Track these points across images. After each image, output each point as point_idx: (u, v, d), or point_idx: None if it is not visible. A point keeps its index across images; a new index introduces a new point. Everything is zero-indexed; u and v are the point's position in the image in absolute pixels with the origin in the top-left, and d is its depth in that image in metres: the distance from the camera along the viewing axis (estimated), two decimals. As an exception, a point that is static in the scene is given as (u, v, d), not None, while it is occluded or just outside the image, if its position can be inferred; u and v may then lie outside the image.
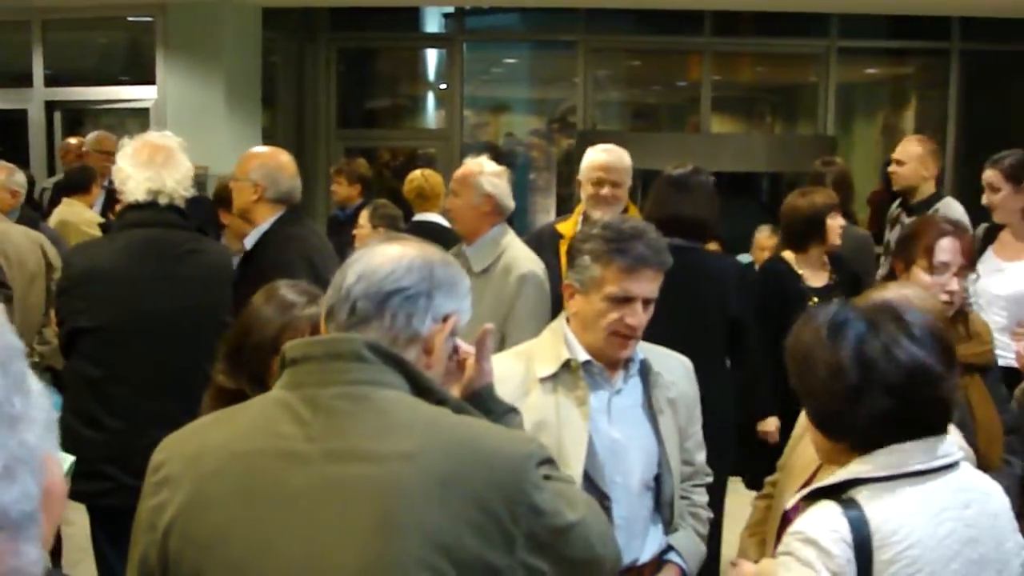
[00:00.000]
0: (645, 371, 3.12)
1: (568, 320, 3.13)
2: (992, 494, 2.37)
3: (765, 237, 7.82)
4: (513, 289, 4.66)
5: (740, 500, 4.36)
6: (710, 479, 3.38)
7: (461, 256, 4.64)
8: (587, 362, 3.04)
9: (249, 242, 4.62)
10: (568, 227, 5.16)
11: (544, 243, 5.16)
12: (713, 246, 5.76)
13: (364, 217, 6.34)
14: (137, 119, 10.91)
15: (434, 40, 13.04)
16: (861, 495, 2.23)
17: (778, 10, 11.15)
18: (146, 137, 4.31)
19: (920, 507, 2.22)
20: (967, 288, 3.98)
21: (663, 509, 3.13)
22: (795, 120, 13.62)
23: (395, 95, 13.82)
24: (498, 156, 12.79)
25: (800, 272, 5.24)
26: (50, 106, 11.27)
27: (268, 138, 10.88)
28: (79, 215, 7.23)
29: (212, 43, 10.35)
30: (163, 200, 4.15)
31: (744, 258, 7.74)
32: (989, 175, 5.44)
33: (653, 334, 3.12)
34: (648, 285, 2.98)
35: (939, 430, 2.30)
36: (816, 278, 5.25)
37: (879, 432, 2.26)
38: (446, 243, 4.04)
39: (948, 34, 11.69)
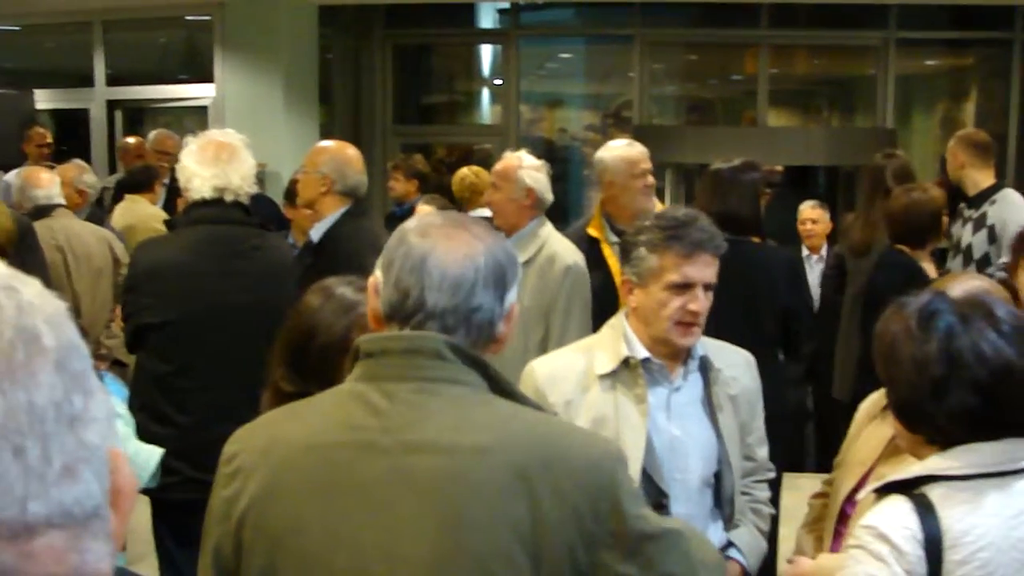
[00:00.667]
0: (705, 367, 3.11)
1: (627, 316, 3.11)
2: None
3: (809, 208, 7.83)
4: (558, 280, 4.71)
5: (796, 497, 4.34)
6: (772, 475, 3.37)
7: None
8: (646, 359, 3.03)
9: (316, 234, 4.68)
10: (596, 229, 5.17)
11: (579, 247, 5.15)
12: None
13: (424, 211, 6.39)
14: (196, 117, 11.03)
15: (489, 35, 13.06)
16: (935, 493, 2.19)
17: (835, 1, 11.06)
18: (210, 135, 4.36)
19: (997, 509, 2.17)
20: None
21: (723, 506, 3.11)
22: (853, 113, 13.48)
23: (451, 91, 13.86)
24: (552, 151, 12.88)
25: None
26: (111, 105, 11.43)
27: (325, 135, 10.92)
28: (143, 212, 7.32)
29: (269, 41, 10.43)
30: (228, 197, 4.19)
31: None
32: None
33: (709, 327, 3.11)
34: (706, 270, 2.98)
35: (1022, 431, 2.25)
36: (931, 272, 5.23)
37: (959, 429, 2.22)
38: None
39: (1011, 23, 11.51)
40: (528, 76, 12.76)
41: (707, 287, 2.99)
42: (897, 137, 11.00)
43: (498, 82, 12.83)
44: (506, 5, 12.36)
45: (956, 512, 2.16)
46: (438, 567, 1.77)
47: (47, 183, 6.10)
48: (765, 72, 12.05)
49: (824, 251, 7.74)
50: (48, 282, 0.92)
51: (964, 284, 2.85)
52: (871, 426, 3.04)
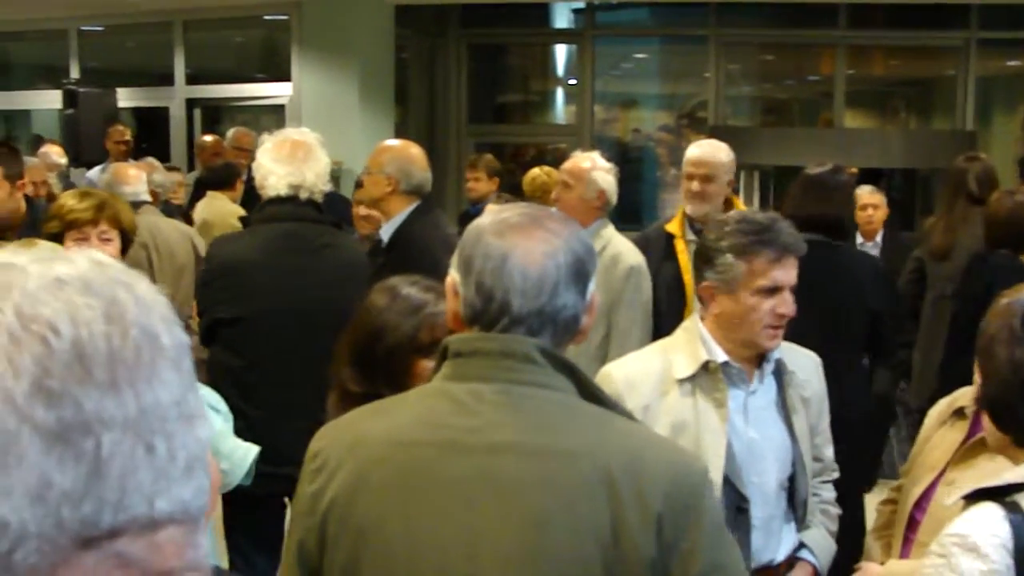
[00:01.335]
0: (779, 370, 3.09)
1: (702, 320, 3.09)
2: None
3: (868, 194, 7.75)
4: (621, 280, 4.75)
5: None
6: (836, 474, 3.34)
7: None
8: (725, 363, 3.01)
9: (385, 233, 4.72)
10: (676, 226, 5.14)
11: (653, 243, 5.14)
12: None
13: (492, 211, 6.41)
14: (273, 115, 11.16)
15: (564, 35, 13.07)
16: None
17: (915, 1, 10.92)
18: (286, 133, 4.41)
19: None
20: None
21: (797, 508, 3.10)
22: (931, 115, 13.32)
23: (525, 90, 13.88)
24: (626, 152, 12.86)
25: None
26: (190, 103, 11.61)
27: (400, 134, 10.99)
28: (223, 209, 7.41)
29: (346, 40, 10.53)
30: (303, 195, 4.23)
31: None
32: None
33: (795, 331, 3.10)
34: (792, 272, 2.97)
35: None
36: None
37: None
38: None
39: (1095, 24, 11.31)
40: (602, 76, 12.75)
41: (791, 289, 2.98)
42: (977, 140, 10.85)
43: (572, 82, 12.83)
44: (581, 5, 12.36)
45: None
46: (518, 567, 1.79)
47: (134, 180, 6.20)
48: (842, 73, 11.93)
49: (880, 237, 7.63)
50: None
51: None
52: (941, 431, 3.01)
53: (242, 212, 6.99)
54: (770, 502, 3.04)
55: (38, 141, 11.55)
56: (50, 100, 11.80)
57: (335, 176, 6.29)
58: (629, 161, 13.01)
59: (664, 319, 4.79)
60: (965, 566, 2.10)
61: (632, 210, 12.16)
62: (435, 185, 4.99)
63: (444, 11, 12.05)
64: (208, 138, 9.94)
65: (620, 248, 4.86)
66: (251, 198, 7.53)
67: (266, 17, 11.44)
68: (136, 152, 10.19)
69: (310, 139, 4.34)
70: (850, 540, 3.43)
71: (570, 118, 12.90)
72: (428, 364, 2.64)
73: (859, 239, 7.72)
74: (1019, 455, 2.25)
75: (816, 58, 12.77)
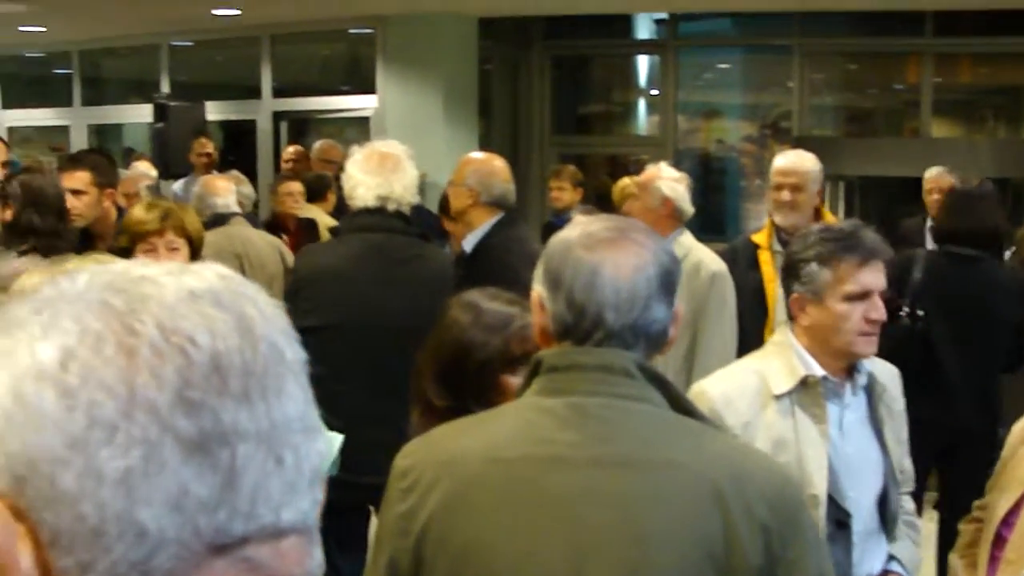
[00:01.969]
0: (870, 383, 3.06)
1: (794, 334, 3.05)
2: None
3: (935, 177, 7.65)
4: (704, 287, 4.75)
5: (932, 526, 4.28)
6: (914, 486, 3.32)
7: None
8: (824, 377, 2.98)
9: (468, 245, 4.76)
10: (763, 237, 5.12)
11: (740, 254, 5.13)
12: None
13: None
14: (358, 128, 11.27)
15: (648, 46, 13.05)
16: None
17: (1003, 8, 10.75)
18: (375, 145, 4.47)
19: None
20: None
21: (887, 521, 3.07)
22: (1021, 123, 13.10)
23: (608, 101, 13.88)
24: (708, 162, 12.80)
25: None
26: (277, 116, 11.76)
27: (484, 145, 11.05)
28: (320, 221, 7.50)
29: (430, 53, 10.60)
30: (390, 206, 4.27)
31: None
32: None
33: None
34: (880, 276, 2.93)
35: None
36: None
37: None
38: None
39: None
40: (685, 86, 12.71)
41: (881, 295, 2.94)
42: (1068, 149, 10.65)
43: (654, 92, 12.82)
44: (664, 15, 12.34)
45: None
46: None
47: (224, 192, 6.30)
48: (929, 81, 11.77)
49: None
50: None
51: None
52: None
53: (333, 223, 7.10)
54: (866, 517, 3.01)
55: (129, 154, 11.80)
56: (141, 114, 12.04)
57: (420, 189, 6.33)
58: (712, 172, 12.96)
59: (746, 330, 4.79)
60: None
61: (715, 221, 12.11)
62: (518, 196, 5.02)
63: (527, 23, 12.09)
64: (291, 149, 10.09)
65: (701, 256, 4.87)
66: (341, 209, 7.65)
67: (351, 31, 11.55)
68: (223, 165, 10.36)
69: (398, 151, 4.40)
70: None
71: (652, 129, 12.88)
72: (514, 378, 2.64)
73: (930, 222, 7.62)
74: None
75: (902, 66, 12.62)
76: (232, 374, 0.82)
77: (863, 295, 2.91)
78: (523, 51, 12.40)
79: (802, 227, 4.88)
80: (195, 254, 4.39)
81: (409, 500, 1.93)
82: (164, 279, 0.85)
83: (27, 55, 13.82)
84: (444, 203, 6.34)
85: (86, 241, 5.23)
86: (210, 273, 0.88)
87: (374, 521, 2.39)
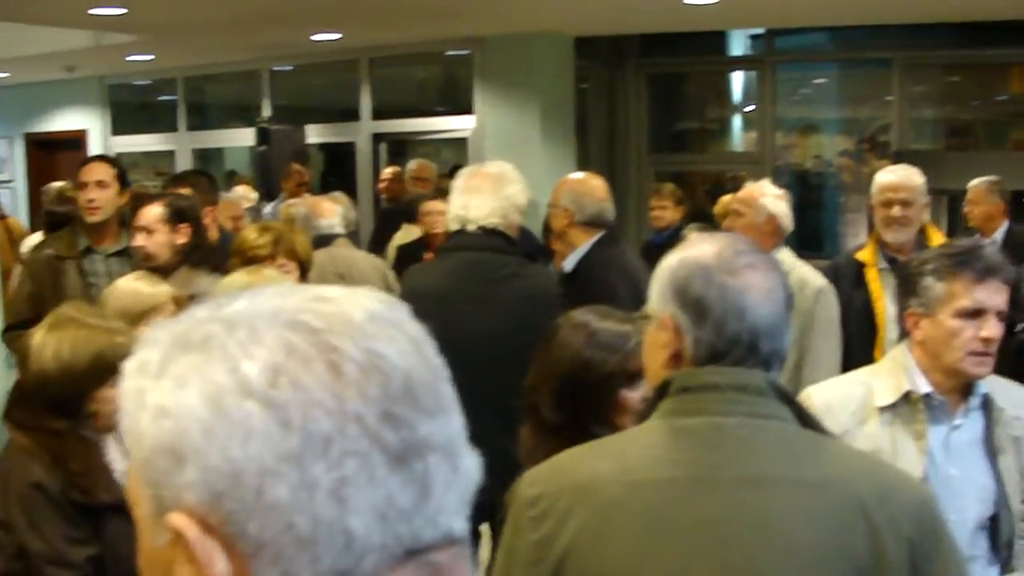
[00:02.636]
0: (987, 406, 2.99)
1: (910, 349, 3.02)
2: None
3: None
4: (810, 303, 4.77)
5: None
6: None
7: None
8: (927, 394, 2.95)
9: (568, 264, 4.81)
10: (867, 254, 5.07)
11: (843, 272, 5.10)
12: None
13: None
14: (456, 149, 11.38)
15: (744, 62, 13.00)
16: None
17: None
18: (479, 166, 4.55)
19: None
20: None
21: (1000, 549, 2.98)
22: None
23: (704, 118, 13.83)
24: (806, 178, 12.70)
25: None
26: (376, 138, 11.90)
27: (581, 164, 11.08)
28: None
29: (527, 73, 10.66)
30: (488, 224, 4.33)
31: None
32: None
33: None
34: (998, 296, 2.88)
35: None
36: None
37: None
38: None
39: None
40: (781, 102, 12.64)
41: (999, 315, 2.89)
42: None
43: (749, 108, 12.76)
44: (760, 31, 12.29)
45: None
46: None
47: (329, 213, 6.42)
48: (1033, 93, 11.58)
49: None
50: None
51: None
52: None
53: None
54: (966, 541, 2.90)
55: (232, 177, 12.04)
56: (243, 138, 12.29)
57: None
58: (809, 188, 12.85)
59: (854, 349, 4.76)
60: None
61: (813, 237, 12.01)
62: (616, 215, 5.09)
63: (622, 42, 12.12)
64: (388, 170, 10.24)
65: (804, 272, 4.89)
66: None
67: (448, 53, 11.66)
68: (324, 187, 10.53)
69: (500, 171, 4.46)
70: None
71: (749, 145, 12.82)
72: (632, 394, 2.71)
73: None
74: None
75: (1004, 77, 12.40)
76: (420, 390, 0.88)
77: (976, 312, 2.87)
78: (618, 69, 12.42)
79: (908, 244, 4.86)
80: (304, 276, 4.49)
81: (543, 528, 1.91)
82: (345, 301, 0.90)
83: (135, 83, 14.16)
84: (547, 223, 6.42)
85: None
86: (373, 296, 0.93)
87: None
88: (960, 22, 11.34)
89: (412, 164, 9.81)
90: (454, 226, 4.44)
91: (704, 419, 1.89)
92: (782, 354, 1.95)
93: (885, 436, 2.93)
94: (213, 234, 5.73)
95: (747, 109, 13.08)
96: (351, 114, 12.03)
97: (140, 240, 5.26)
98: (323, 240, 6.25)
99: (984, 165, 10.00)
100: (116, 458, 3.22)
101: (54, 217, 7.23)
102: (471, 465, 0.92)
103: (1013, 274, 2.95)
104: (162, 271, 5.24)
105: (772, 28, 12.05)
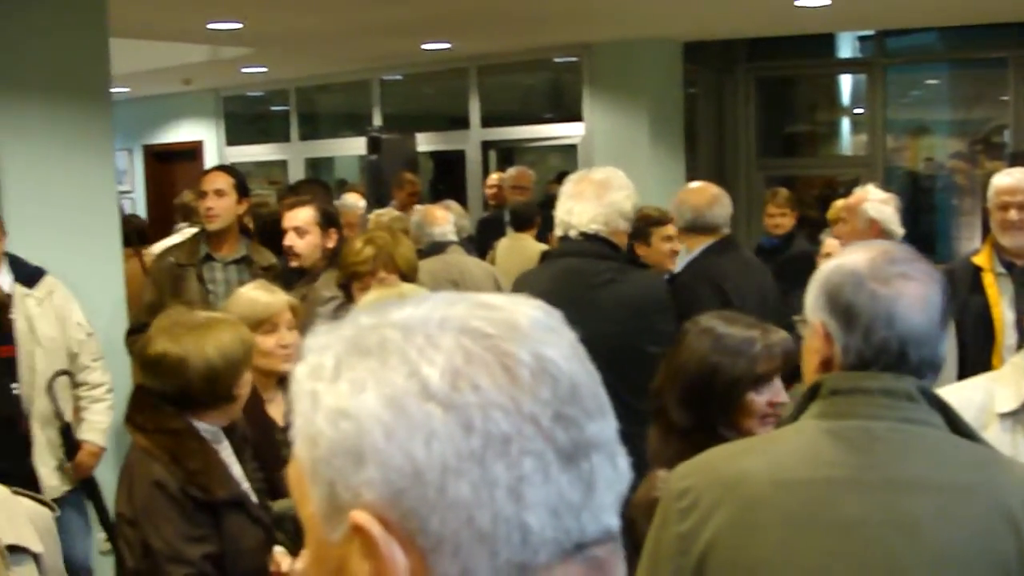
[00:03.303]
0: None
1: None
2: None
3: None
4: None
5: None
6: None
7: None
8: None
9: (678, 268, 4.91)
10: (984, 259, 4.97)
11: (958, 277, 5.01)
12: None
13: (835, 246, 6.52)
14: (565, 155, 11.42)
15: (854, 65, 12.85)
16: None
17: None
18: (586, 172, 4.59)
19: None
20: None
21: None
22: None
23: (814, 122, 13.70)
24: (917, 181, 12.50)
25: None
26: (485, 146, 12.01)
27: (690, 170, 11.07)
28: (528, 248, 7.67)
29: (636, 79, 10.67)
30: (589, 230, 4.36)
31: None
32: None
33: None
34: None
35: None
36: None
37: None
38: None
39: None
40: (892, 104, 12.46)
41: None
42: None
43: (858, 111, 12.61)
44: (870, 33, 12.14)
45: None
46: None
47: (442, 221, 6.52)
48: None
49: None
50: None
51: None
52: None
53: (544, 248, 7.25)
54: None
55: (342, 186, 12.23)
56: (354, 147, 12.49)
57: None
58: (922, 191, 12.65)
59: (970, 354, 4.68)
60: None
61: (926, 240, 11.81)
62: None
63: (731, 46, 12.07)
64: (494, 176, 10.34)
65: None
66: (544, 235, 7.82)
67: (557, 60, 11.73)
68: (434, 195, 10.65)
69: (606, 177, 4.48)
70: None
71: (859, 148, 12.66)
72: (759, 397, 2.81)
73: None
74: None
75: None
76: (584, 392, 0.92)
77: None
78: (727, 74, 12.37)
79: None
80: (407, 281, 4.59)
81: (689, 520, 1.95)
82: (510, 308, 0.95)
83: (248, 95, 14.47)
84: (633, 231, 6.51)
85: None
86: (533, 304, 0.98)
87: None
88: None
89: (511, 172, 9.90)
90: (559, 232, 4.51)
91: (853, 422, 1.91)
92: (936, 362, 1.95)
93: (1006, 442, 2.87)
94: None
95: (857, 111, 12.93)
96: (460, 122, 12.16)
97: (291, 240, 5.46)
98: (436, 247, 6.35)
99: (1105, 166, 9.76)
100: (230, 458, 3.37)
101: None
102: (625, 465, 0.95)
103: None
104: (308, 273, 5.42)
105: (882, 30, 11.90)
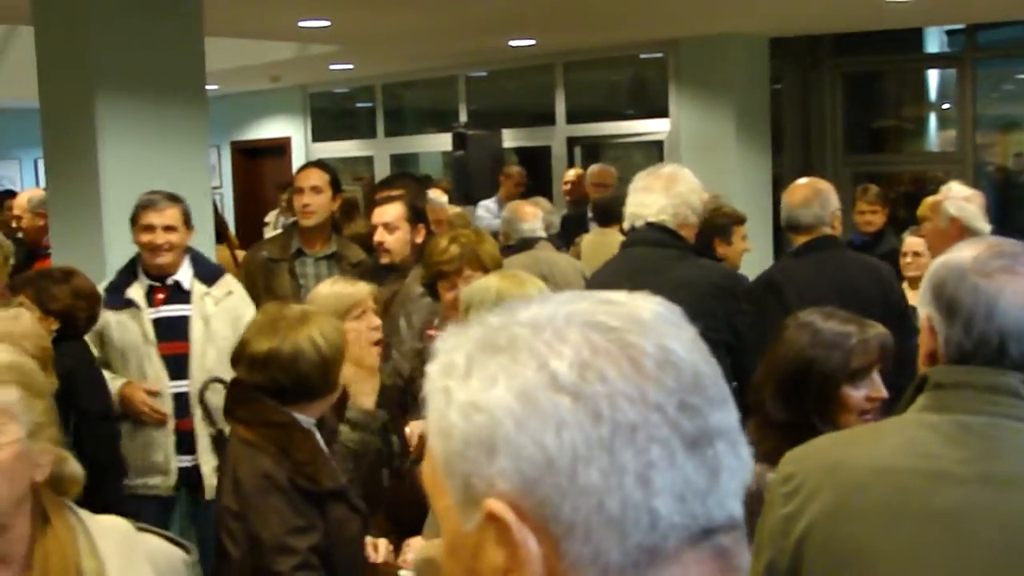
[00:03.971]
0: None
1: None
2: None
3: None
4: None
5: None
6: None
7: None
8: None
9: None
10: None
11: None
12: None
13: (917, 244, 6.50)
14: (651, 152, 11.40)
15: (943, 60, 12.67)
16: None
17: None
18: (655, 168, 4.72)
19: None
20: None
21: None
22: None
23: (901, 118, 13.53)
24: (1007, 177, 12.30)
25: None
26: (571, 142, 12.04)
27: (776, 167, 11.02)
28: (614, 243, 7.67)
29: (722, 75, 10.64)
30: (658, 220, 4.48)
31: None
32: None
33: None
34: None
35: None
36: None
37: None
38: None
39: None
40: (980, 99, 12.26)
41: None
42: None
43: (946, 107, 12.44)
44: (960, 26, 11.95)
45: None
46: None
47: (531, 217, 6.57)
48: None
49: None
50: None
51: None
52: None
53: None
54: None
55: (428, 181, 12.32)
56: (439, 143, 12.58)
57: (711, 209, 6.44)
58: (1011, 186, 12.46)
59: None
60: None
61: (1016, 237, 11.61)
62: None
63: (817, 41, 11.96)
64: (571, 172, 10.36)
65: None
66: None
67: (642, 56, 11.72)
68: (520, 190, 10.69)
69: (674, 172, 4.62)
70: None
71: (947, 144, 12.48)
72: (855, 392, 2.84)
73: None
74: None
75: None
76: (706, 381, 0.96)
77: None
78: (812, 70, 12.26)
79: None
80: None
81: (792, 504, 2.00)
82: (631, 303, 0.99)
83: (334, 91, 14.63)
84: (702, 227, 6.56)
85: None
86: (652, 299, 1.02)
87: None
88: None
89: (593, 168, 9.94)
90: (627, 224, 4.66)
91: (950, 416, 1.92)
92: None
93: None
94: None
95: (944, 107, 12.75)
96: (546, 118, 12.20)
97: (380, 236, 5.53)
98: (525, 243, 6.39)
99: None
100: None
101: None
102: (747, 453, 0.98)
103: None
104: (398, 269, 5.48)
105: (972, 24, 11.72)
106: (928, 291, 2.01)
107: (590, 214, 8.79)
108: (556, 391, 0.92)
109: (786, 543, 1.98)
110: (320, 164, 6.38)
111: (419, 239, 5.56)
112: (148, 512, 4.81)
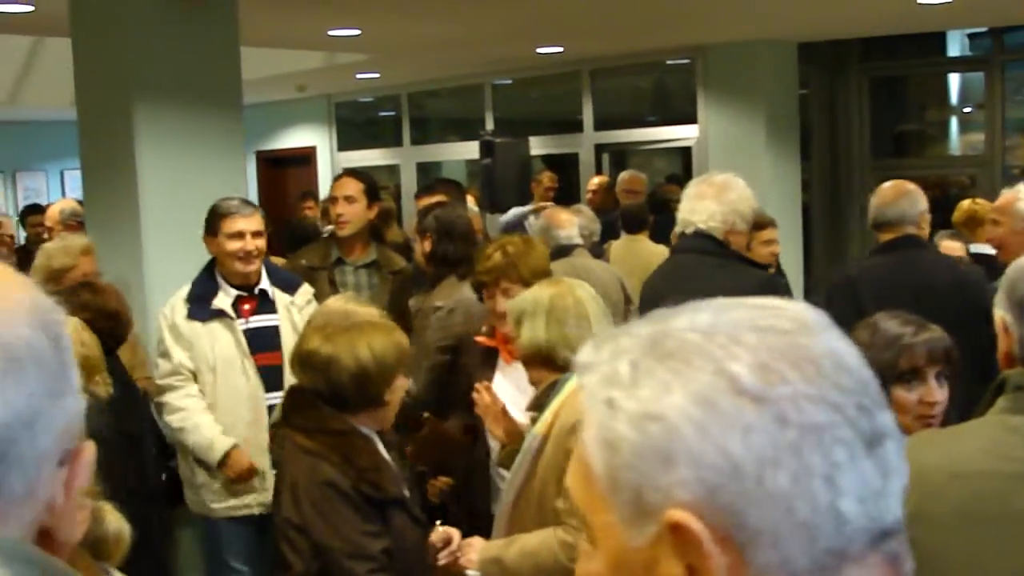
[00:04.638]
0: None
1: None
2: None
3: None
4: None
5: None
6: None
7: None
8: None
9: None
10: None
11: None
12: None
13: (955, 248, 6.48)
14: (679, 158, 11.39)
15: (971, 63, 12.62)
16: None
17: None
18: (708, 175, 4.81)
19: None
20: None
21: None
22: None
23: (927, 122, 13.48)
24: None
25: None
26: (599, 149, 12.03)
27: (803, 172, 10.99)
28: (643, 250, 7.67)
29: (750, 81, 10.64)
30: (706, 228, 4.56)
31: None
32: None
33: None
34: None
35: None
36: None
37: None
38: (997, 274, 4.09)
39: None
40: (1008, 102, 12.20)
41: None
42: None
43: (967, 110, 12.38)
44: (984, 29, 11.90)
45: None
46: None
47: (567, 224, 6.54)
48: None
49: None
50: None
51: None
52: None
53: (662, 251, 7.26)
54: None
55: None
56: (466, 151, 12.57)
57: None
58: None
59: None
60: None
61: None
62: (839, 220, 5.15)
63: (844, 46, 11.93)
64: (596, 179, 10.35)
65: None
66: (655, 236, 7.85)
67: (669, 62, 11.71)
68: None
69: (725, 180, 4.69)
70: None
71: (974, 148, 12.42)
72: (908, 394, 2.80)
73: None
74: None
75: None
76: (871, 383, 0.96)
77: None
78: (840, 75, 12.23)
79: None
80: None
81: None
82: (790, 308, 0.99)
83: (360, 100, 14.65)
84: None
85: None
86: (803, 304, 1.01)
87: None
88: None
89: (624, 175, 9.92)
90: (678, 229, 4.76)
91: None
92: None
93: None
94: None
95: (970, 111, 12.68)
96: (573, 125, 12.20)
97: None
98: (562, 250, 6.37)
99: None
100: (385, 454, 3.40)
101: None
102: (904, 454, 0.97)
103: None
104: (427, 279, 5.49)
105: (999, 27, 11.67)
106: (1004, 292, 2.02)
107: (619, 221, 8.78)
108: (737, 395, 0.90)
109: None
110: (354, 173, 6.37)
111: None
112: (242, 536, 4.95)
